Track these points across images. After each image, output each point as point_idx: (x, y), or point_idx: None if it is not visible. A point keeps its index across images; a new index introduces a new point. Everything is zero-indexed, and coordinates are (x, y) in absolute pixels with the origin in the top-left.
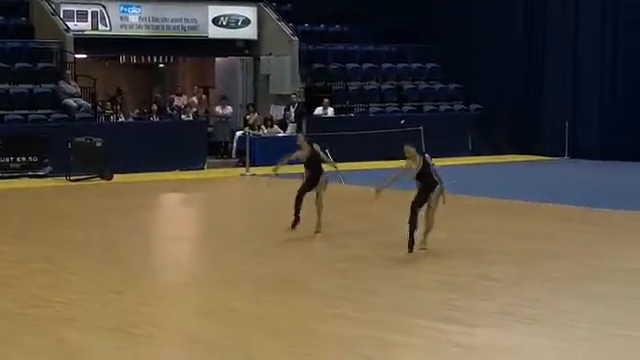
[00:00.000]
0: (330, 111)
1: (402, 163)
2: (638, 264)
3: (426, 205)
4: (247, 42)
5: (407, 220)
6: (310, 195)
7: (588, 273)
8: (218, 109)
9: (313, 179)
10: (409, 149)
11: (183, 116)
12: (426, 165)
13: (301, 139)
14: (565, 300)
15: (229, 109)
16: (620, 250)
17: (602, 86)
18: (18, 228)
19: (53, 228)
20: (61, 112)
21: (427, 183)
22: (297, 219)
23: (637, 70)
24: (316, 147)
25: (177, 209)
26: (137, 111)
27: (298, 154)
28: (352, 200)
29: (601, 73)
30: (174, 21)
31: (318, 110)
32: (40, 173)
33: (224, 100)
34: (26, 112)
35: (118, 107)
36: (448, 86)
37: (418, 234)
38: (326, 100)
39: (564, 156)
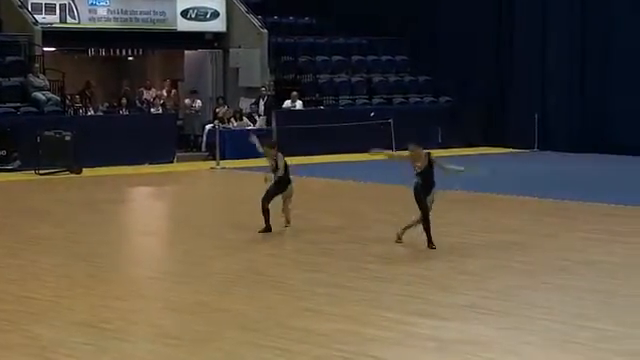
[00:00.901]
0: (299, 104)
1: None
2: (607, 257)
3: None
4: (216, 35)
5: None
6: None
7: (558, 266)
8: (188, 102)
9: (283, 183)
10: (416, 149)
11: (152, 109)
12: (430, 164)
13: (265, 149)
14: (537, 293)
15: (199, 102)
16: (589, 243)
17: (571, 78)
18: None
19: (22, 222)
20: (30, 106)
21: (428, 182)
22: (268, 227)
23: (606, 62)
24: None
25: (147, 203)
26: (106, 104)
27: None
28: (325, 195)
29: (570, 65)
30: (143, 14)
31: (286, 103)
32: (9, 167)
33: (194, 94)
34: None
35: (87, 101)
36: (418, 79)
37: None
38: (294, 93)
39: (534, 148)
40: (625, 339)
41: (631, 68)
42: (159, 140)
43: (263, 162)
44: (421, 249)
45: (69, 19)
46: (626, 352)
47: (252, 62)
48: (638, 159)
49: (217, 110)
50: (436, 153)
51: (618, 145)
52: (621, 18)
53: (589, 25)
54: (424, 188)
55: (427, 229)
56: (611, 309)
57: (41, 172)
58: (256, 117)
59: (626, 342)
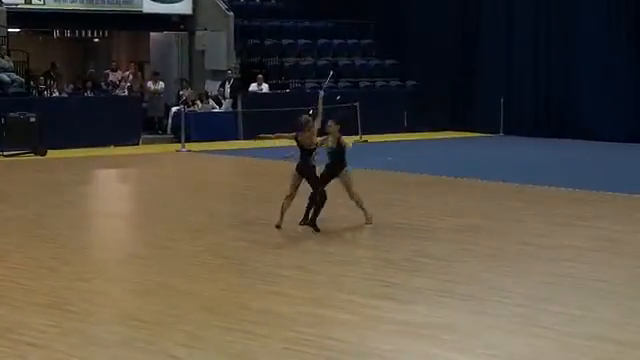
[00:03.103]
0: (265, 87)
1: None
2: (569, 241)
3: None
4: (182, 17)
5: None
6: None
7: (522, 250)
8: (150, 84)
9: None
10: (332, 124)
11: (118, 91)
12: (340, 146)
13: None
14: (500, 277)
15: (161, 84)
16: (552, 227)
17: (536, 63)
18: None
19: None
20: None
21: (335, 163)
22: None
23: (571, 47)
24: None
25: (112, 185)
26: (71, 86)
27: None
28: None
29: (535, 50)
30: None
31: (253, 86)
32: None
33: (156, 76)
34: None
35: (52, 82)
36: (384, 62)
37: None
38: (260, 76)
39: (499, 133)
40: (590, 323)
41: (596, 54)
42: (125, 122)
43: (227, 145)
44: (385, 233)
45: (34, 0)
46: (591, 336)
47: (218, 45)
48: (602, 144)
49: (180, 93)
50: (402, 137)
51: (582, 130)
52: (586, 3)
53: (554, 10)
54: (329, 167)
55: (310, 207)
56: (575, 293)
57: (6, 154)
58: (222, 100)
59: (590, 326)
